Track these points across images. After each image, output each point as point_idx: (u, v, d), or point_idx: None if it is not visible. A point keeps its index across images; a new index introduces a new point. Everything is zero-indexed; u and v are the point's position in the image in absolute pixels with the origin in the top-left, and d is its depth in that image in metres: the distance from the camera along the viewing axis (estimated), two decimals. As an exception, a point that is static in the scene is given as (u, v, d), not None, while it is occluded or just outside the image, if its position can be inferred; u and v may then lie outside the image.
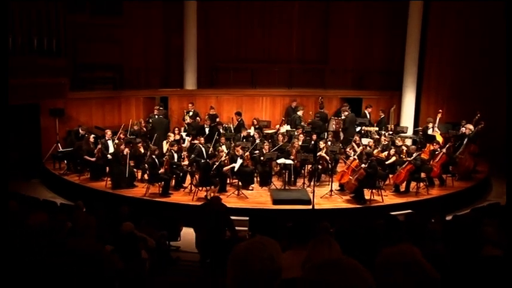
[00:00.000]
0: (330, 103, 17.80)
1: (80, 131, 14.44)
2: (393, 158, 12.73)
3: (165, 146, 13.41)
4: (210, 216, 8.20)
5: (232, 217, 8.73)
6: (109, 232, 7.25)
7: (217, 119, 15.93)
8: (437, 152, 12.98)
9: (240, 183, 12.46)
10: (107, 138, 13.60)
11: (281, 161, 12.86)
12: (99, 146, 13.26)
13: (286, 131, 14.92)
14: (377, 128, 15.41)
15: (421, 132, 15.36)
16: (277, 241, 2.17)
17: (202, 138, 13.45)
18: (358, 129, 15.48)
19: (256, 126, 15.19)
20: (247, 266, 1.99)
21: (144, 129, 15.13)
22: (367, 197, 11.88)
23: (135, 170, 13.17)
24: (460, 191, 12.92)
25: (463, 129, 14.04)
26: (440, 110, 15.38)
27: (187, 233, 9.76)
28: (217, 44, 19.50)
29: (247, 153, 12.78)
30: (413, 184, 12.55)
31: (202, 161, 12.34)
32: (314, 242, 3.22)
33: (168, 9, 18.62)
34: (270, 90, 18.39)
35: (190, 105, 16.51)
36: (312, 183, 12.06)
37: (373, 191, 11.99)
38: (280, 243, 2.17)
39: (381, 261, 2.12)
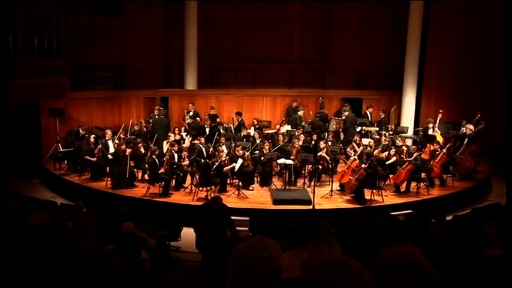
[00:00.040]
0: (330, 103, 17.79)
1: (80, 131, 14.44)
2: (393, 158, 12.73)
3: (166, 146, 13.41)
4: (210, 217, 8.20)
5: (233, 217, 8.72)
6: (109, 232, 7.25)
7: (218, 119, 15.92)
8: (437, 152, 12.98)
9: (240, 183, 12.47)
10: (107, 138, 13.60)
11: (281, 161, 12.86)
12: (99, 146, 13.26)
13: (287, 131, 14.92)
14: (377, 128, 15.40)
15: (421, 133, 15.36)
16: (278, 241, 2.17)
17: (202, 138, 13.47)
18: (358, 129, 15.47)
19: (256, 127, 15.19)
20: (247, 266, 1.99)
21: (145, 129, 15.13)
22: (367, 197, 11.88)
23: (135, 170, 13.18)
24: (461, 191, 12.92)
25: (463, 130, 14.04)
26: (440, 110, 15.37)
27: (188, 233, 9.76)
28: (218, 44, 19.50)
29: (248, 154, 12.78)
30: (413, 184, 12.55)
31: (203, 161, 12.34)
32: (314, 242, 3.22)
33: (169, 9, 18.62)
34: (271, 90, 18.38)
35: (190, 105, 16.51)
36: (313, 183, 12.06)
37: (374, 191, 12.00)
38: (280, 244, 2.17)
39: (381, 261, 2.12)
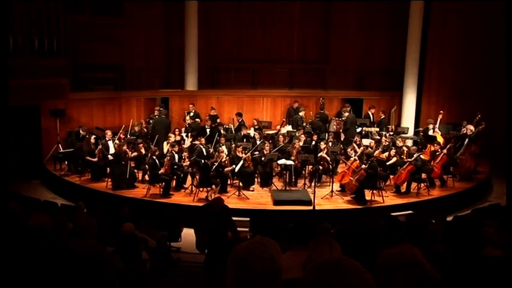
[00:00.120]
0: (331, 104, 17.79)
1: (81, 131, 14.44)
2: (394, 159, 12.73)
3: (166, 147, 13.41)
4: (212, 218, 8.19)
5: (233, 218, 8.72)
6: (110, 233, 7.25)
7: (218, 120, 15.92)
8: (438, 153, 12.98)
9: (240, 184, 12.47)
10: (107, 139, 13.60)
11: (282, 161, 12.86)
12: (100, 147, 13.26)
13: (287, 131, 14.92)
14: (378, 129, 15.40)
15: (421, 133, 15.35)
16: (278, 242, 2.17)
17: (203, 139, 13.47)
18: (358, 130, 15.47)
19: (256, 127, 15.18)
20: (248, 266, 1.99)
21: (145, 130, 15.13)
22: (367, 197, 11.88)
23: (135, 170, 13.17)
24: (461, 192, 12.91)
25: (463, 130, 14.04)
26: (441, 111, 15.38)
27: (188, 234, 9.75)
28: (218, 44, 19.50)
29: (248, 154, 12.78)
30: (414, 185, 12.54)
31: (203, 161, 12.33)
32: (315, 243, 3.22)
33: (169, 9, 18.62)
34: (271, 91, 18.38)
35: (191, 105, 16.51)
36: (313, 184, 12.05)
37: (374, 191, 12.00)
38: (280, 244, 2.17)
39: (381, 262, 2.12)
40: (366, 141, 14.19)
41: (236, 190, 12.34)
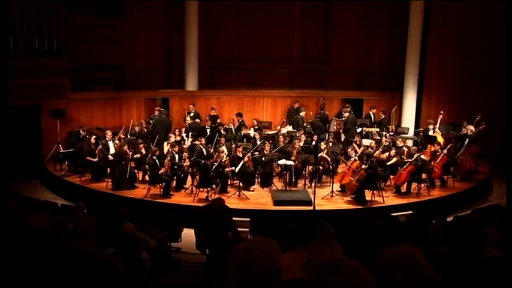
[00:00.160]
0: (331, 104, 17.77)
1: (81, 132, 14.44)
2: (394, 159, 12.72)
3: (166, 147, 13.41)
4: (212, 218, 8.20)
5: (233, 218, 8.72)
6: (110, 233, 7.26)
7: (218, 120, 15.92)
8: (438, 153, 12.98)
9: (241, 184, 12.46)
10: (107, 139, 13.60)
11: (282, 162, 12.86)
12: (100, 147, 13.26)
13: (288, 131, 14.91)
14: (378, 129, 15.39)
15: (421, 134, 15.35)
16: (278, 242, 2.17)
17: (203, 139, 13.47)
18: (359, 130, 15.47)
19: (256, 127, 15.18)
20: (248, 266, 1.99)
21: (145, 130, 15.13)
22: (368, 198, 11.88)
23: (136, 171, 13.17)
24: (461, 192, 12.91)
25: (464, 130, 14.04)
26: (441, 112, 15.38)
27: (188, 234, 9.75)
28: (219, 44, 19.49)
29: (249, 155, 12.78)
30: (414, 185, 12.53)
31: (203, 162, 12.34)
32: (315, 243, 3.22)
33: (170, 10, 18.62)
34: (271, 91, 18.37)
35: (191, 106, 16.51)
36: (313, 184, 12.06)
37: (374, 192, 12.00)
38: (280, 244, 2.17)
39: (381, 262, 2.12)
40: (366, 142, 14.18)
41: (236, 190, 12.33)
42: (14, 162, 13.13)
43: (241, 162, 12.37)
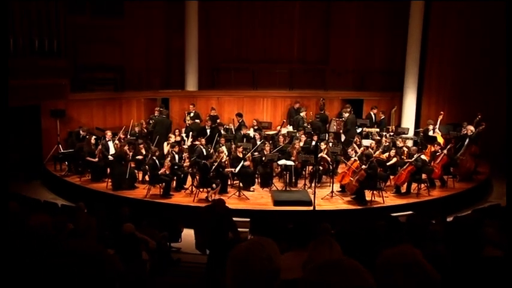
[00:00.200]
0: (331, 104, 17.77)
1: (81, 132, 14.44)
2: (394, 159, 12.72)
3: (166, 148, 13.41)
4: (213, 218, 8.20)
5: (234, 218, 8.72)
6: (110, 233, 7.26)
7: (218, 120, 15.92)
8: (438, 153, 12.98)
9: (241, 184, 12.46)
10: (107, 139, 13.60)
11: (282, 162, 12.85)
12: (100, 147, 13.26)
13: (288, 132, 14.91)
14: (378, 129, 15.39)
15: (421, 134, 15.35)
16: (277, 242, 2.17)
17: (203, 140, 13.46)
18: (359, 130, 15.47)
19: (256, 127, 15.18)
20: (247, 266, 1.99)
21: (145, 130, 15.13)
22: (368, 198, 11.87)
23: (136, 171, 13.17)
24: (461, 192, 12.90)
25: (464, 131, 14.04)
26: (441, 112, 15.38)
27: (188, 235, 9.75)
28: (219, 44, 19.50)
29: (249, 154, 12.78)
30: (414, 185, 12.53)
31: (202, 162, 12.33)
32: (315, 243, 3.22)
33: (170, 10, 18.63)
34: (271, 91, 18.37)
35: (191, 106, 16.50)
36: (313, 184, 12.05)
37: (374, 192, 12.00)
38: (279, 245, 2.17)
39: (381, 262, 2.12)
40: (366, 142, 14.18)
41: (236, 190, 12.33)
42: (14, 163, 13.13)
43: (242, 163, 12.36)
